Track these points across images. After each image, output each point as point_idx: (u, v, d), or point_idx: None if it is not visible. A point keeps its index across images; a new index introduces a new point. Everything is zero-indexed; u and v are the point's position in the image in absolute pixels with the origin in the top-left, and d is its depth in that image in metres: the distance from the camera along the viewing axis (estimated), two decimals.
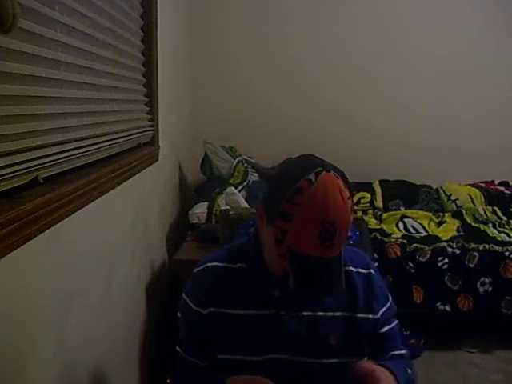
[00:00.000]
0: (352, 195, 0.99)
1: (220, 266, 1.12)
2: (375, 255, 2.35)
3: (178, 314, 1.17)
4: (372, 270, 1.15)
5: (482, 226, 2.66)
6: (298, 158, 1.04)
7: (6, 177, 0.91)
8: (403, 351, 1.18)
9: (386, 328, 1.14)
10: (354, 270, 1.13)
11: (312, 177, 0.94)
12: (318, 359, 1.08)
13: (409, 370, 1.13)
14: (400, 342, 1.18)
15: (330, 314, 1.09)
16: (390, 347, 1.16)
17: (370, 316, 1.11)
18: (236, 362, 1.08)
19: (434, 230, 2.70)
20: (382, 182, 3.14)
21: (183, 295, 1.15)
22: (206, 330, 1.10)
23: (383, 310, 1.14)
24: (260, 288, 1.08)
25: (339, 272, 0.98)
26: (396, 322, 1.18)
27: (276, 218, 0.97)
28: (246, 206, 2.41)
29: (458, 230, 2.65)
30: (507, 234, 2.57)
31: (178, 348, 1.17)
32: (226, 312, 1.08)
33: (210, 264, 1.13)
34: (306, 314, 1.08)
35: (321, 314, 1.09)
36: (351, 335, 1.10)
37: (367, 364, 1.03)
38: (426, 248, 2.45)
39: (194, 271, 1.15)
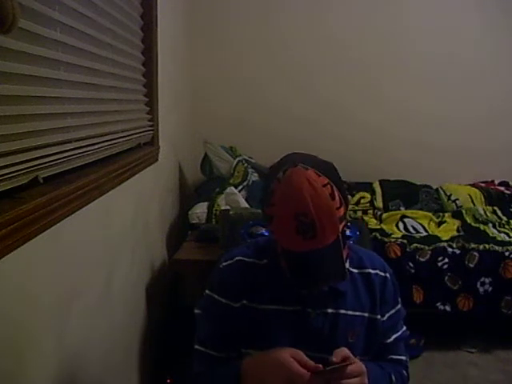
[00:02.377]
0: (335, 183, 0.95)
1: (247, 261, 1.11)
2: None
3: (197, 310, 1.14)
4: (388, 274, 1.16)
5: (481, 226, 2.65)
6: (278, 160, 1.04)
7: (6, 177, 0.91)
8: (402, 357, 1.18)
9: (393, 337, 1.15)
10: (373, 271, 1.14)
11: (280, 175, 0.96)
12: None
13: (393, 377, 1.12)
14: (402, 348, 1.19)
15: (350, 312, 1.10)
16: (390, 351, 1.16)
17: (379, 317, 1.12)
18: None
19: (433, 229, 2.69)
20: (382, 182, 3.14)
21: (207, 292, 1.12)
22: (234, 324, 1.07)
23: (390, 312, 1.15)
24: (286, 284, 1.07)
25: (336, 260, 0.95)
26: (404, 329, 1.18)
27: (267, 223, 1.01)
28: (246, 205, 2.41)
29: (458, 230, 2.64)
30: (507, 234, 2.57)
31: (196, 346, 1.12)
32: (255, 306, 1.07)
33: (238, 258, 1.12)
34: (329, 311, 1.08)
35: (342, 311, 1.09)
36: (367, 335, 1.11)
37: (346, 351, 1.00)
38: (426, 248, 2.45)
39: (221, 266, 1.13)
